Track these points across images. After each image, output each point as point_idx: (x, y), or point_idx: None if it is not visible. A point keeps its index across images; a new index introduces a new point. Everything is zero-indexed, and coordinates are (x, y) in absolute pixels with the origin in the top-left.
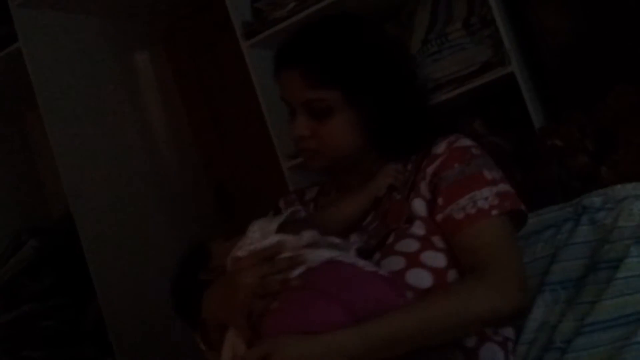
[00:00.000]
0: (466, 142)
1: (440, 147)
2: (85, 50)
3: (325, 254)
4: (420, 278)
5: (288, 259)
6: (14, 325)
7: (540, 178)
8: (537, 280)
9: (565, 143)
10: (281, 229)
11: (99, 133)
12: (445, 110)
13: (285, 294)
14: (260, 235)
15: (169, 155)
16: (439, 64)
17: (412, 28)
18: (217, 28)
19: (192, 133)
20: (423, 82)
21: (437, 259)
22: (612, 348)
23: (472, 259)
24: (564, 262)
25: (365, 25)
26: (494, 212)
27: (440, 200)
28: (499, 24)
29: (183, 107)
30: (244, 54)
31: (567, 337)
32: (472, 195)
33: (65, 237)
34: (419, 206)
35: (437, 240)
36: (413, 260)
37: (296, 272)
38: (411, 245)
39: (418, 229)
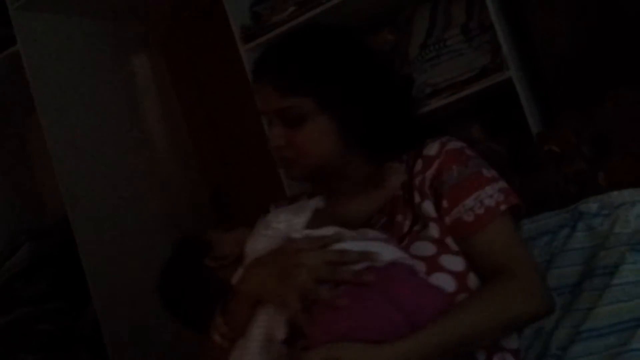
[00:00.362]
0: (458, 143)
1: (433, 149)
2: (84, 53)
3: (391, 253)
4: (445, 282)
5: (358, 253)
6: (9, 328)
7: (537, 183)
8: None
9: (562, 149)
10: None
11: (96, 136)
12: (443, 116)
13: (349, 290)
14: (286, 228)
15: (166, 159)
16: (437, 69)
17: (411, 33)
18: (215, 32)
19: (190, 137)
20: (412, 87)
21: (456, 263)
22: (608, 355)
23: (492, 262)
24: (559, 268)
25: (337, 35)
26: (502, 207)
27: (445, 203)
28: (497, 29)
29: (181, 110)
30: (243, 58)
31: (562, 344)
32: (477, 195)
33: (61, 240)
34: (429, 208)
35: (451, 242)
36: (433, 264)
37: (359, 266)
38: (428, 249)
39: (433, 231)
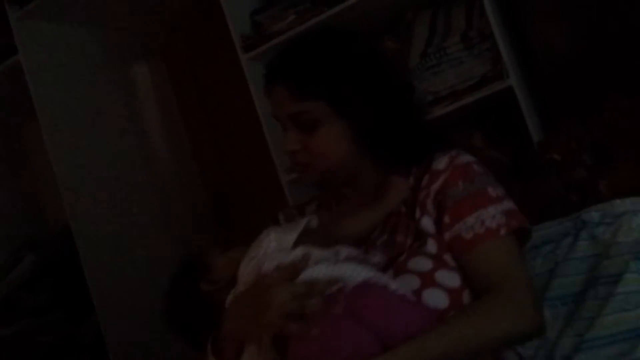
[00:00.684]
0: (467, 158)
1: (442, 163)
2: (84, 62)
3: (361, 273)
4: (437, 298)
5: (326, 281)
6: (12, 340)
7: (539, 192)
8: None
9: (563, 157)
10: (298, 240)
11: (97, 145)
12: (444, 124)
13: (317, 317)
14: (278, 245)
15: (167, 168)
16: (437, 78)
17: (411, 42)
18: (216, 40)
19: (190, 145)
20: (417, 94)
21: (452, 279)
22: None
23: (485, 280)
24: (563, 277)
25: (350, 38)
26: (502, 231)
27: (446, 219)
28: (497, 37)
29: (182, 119)
30: (243, 67)
31: (566, 353)
32: (479, 214)
33: (63, 251)
34: (427, 224)
35: (448, 258)
36: (428, 280)
37: (330, 290)
38: (425, 264)
39: (431, 247)
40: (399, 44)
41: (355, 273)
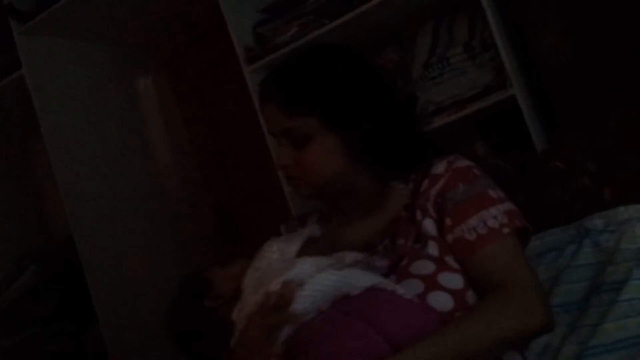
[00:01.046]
0: (466, 162)
1: (440, 167)
2: (88, 77)
3: (369, 278)
4: (442, 301)
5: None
6: (16, 350)
7: (543, 200)
8: None
9: (567, 165)
10: (301, 249)
11: (101, 159)
12: (447, 133)
13: (328, 317)
14: (280, 256)
15: (171, 180)
16: (440, 88)
17: (414, 52)
18: (219, 53)
19: (194, 157)
20: (418, 105)
21: (455, 281)
22: None
23: (490, 280)
24: (566, 284)
25: (342, 54)
26: (505, 230)
27: (448, 221)
28: (500, 47)
29: (186, 131)
30: (246, 79)
31: None
32: (481, 215)
33: (66, 261)
34: (429, 226)
35: (450, 260)
36: (431, 283)
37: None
38: (427, 267)
39: (432, 249)
40: (402, 56)
41: (363, 277)
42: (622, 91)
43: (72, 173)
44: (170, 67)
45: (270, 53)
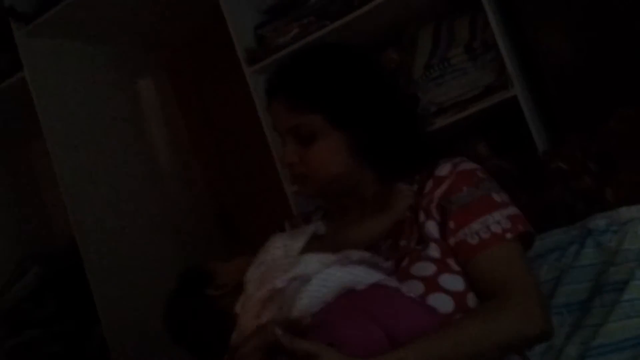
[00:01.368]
0: (471, 164)
1: (445, 169)
2: (89, 79)
3: (374, 275)
4: (442, 303)
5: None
6: (18, 351)
7: (545, 200)
8: None
9: (569, 165)
10: (305, 247)
11: (103, 160)
12: (449, 134)
13: (332, 309)
14: (285, 252)
15: (173, 182)
16: (441, 89)
17: (415, 53)
18: (220, 55)
19: (195, 159)
20: (420, 105)
21: (455, 282)
22: None
23: (491, 284)
24: (569, 285)
25: (347, 52)
26: (508, 235)
27: (451, 224)
28: (501, 47)
29: (187, 133)
30: (247, 80)
31: None
32: (484, 219)
33: (69, 263)
34: (432, 228)
35: (452, 262)
36: (432, 285)
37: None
38: (427, 269)
39: (433, 251)
40: (402, 57)
41: (368, 275)
42: (623, 91)
43: (74, 175)
44: (170, 68)
45: (271, 54)
